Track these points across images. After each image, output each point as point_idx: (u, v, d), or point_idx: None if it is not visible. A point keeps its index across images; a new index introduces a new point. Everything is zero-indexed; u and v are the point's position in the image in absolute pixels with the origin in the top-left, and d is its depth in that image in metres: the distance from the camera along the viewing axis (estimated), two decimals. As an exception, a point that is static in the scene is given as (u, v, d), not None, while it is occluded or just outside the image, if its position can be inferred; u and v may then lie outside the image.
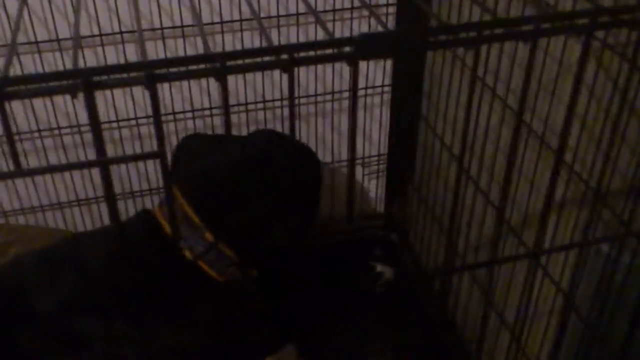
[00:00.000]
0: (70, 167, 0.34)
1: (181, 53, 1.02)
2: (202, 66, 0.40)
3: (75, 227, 1.15)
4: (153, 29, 1.00)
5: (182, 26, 1.01)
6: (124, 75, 0.38)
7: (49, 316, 0.72)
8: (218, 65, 0.39)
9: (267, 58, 0.42)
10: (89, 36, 0.98)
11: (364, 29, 1.10)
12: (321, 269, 1.10)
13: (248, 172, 0.81)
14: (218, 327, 0.76)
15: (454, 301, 1.03)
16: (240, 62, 0.42)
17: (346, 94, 1.16)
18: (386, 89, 1.16)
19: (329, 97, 1.15)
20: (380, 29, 1.09)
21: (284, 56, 0.42)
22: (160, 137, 0.38)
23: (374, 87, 1.15)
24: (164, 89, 1.04)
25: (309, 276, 1.07)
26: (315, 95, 1.13)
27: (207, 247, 0.75)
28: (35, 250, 0.82)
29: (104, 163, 0.36)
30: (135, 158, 0.36)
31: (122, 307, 0.73)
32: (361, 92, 1.15)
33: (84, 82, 0.37)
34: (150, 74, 0.38)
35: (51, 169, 0.33)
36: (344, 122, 1.18)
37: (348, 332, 1.00)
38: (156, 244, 0.77)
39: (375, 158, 1.22)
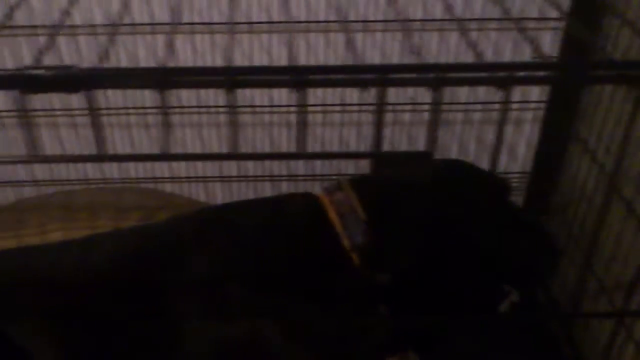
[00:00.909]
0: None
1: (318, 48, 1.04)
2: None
3: (214, 201, 1.21)
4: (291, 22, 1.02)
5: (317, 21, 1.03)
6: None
7: (202, 281, 0.75)
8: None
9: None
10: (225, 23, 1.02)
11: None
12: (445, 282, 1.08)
13: (428, 193, 0.81)
14: (352, 318, 0.78)
15: (589, 339, 0.97)
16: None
17: (496, 105, 1.12)
18: (541, 104, 1.11)
19: (478, 106, 1.12)
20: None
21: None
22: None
23: (527, 101, 1.11)
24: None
25: (432, 287, 1.06)
26: (464, 103, 1.11)
27: (366, 242, 0.77)
28: (192, 213, 0.86)
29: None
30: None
31: (270, 282, 0.75)
32: (513, 106, 1.11)
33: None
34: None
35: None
36: (490, 133, 1.15)
37: (469, 347, 0.98)
38: (315, 227, 0.79)
39: (517, 175, 1.18)
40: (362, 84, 0.39)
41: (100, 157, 0.41)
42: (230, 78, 0.38)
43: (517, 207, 0.84)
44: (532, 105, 1.11)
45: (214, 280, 0.75)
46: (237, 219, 0.82)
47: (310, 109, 1.05)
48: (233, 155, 0.37)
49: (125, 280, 0.78)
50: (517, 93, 1.10)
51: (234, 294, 0.74)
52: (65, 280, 0.79)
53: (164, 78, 0.37)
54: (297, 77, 0.38)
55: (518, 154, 1.16)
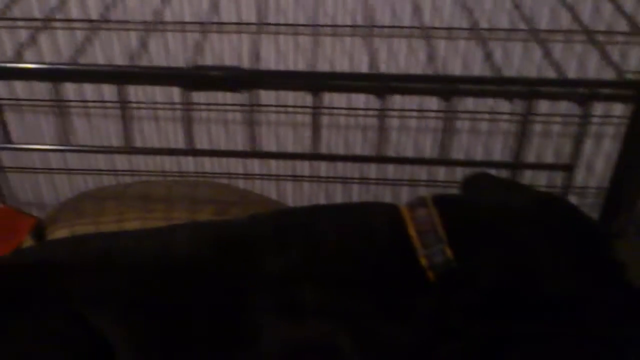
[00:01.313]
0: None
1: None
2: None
3: (285, 200, 1.22)
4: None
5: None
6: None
7: (277, 279, 0.76)
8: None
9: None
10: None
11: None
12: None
13: (514, 224, 0.79)
14: (423, 332, 0.77)
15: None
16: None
17: (576, 118, 1.11)
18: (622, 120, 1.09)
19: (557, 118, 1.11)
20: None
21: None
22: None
23: (608, 116, 1.09)
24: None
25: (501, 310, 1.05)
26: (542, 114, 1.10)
27: (444, 261, 0.77)
28: (273, 212, 0.87)
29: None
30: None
31: (343, 290, 0.75)
32: (594, 119, 1.10)
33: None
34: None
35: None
36: (567, 147, 1.14)
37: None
38: (393, 241, 0.79)
39: (593, 190, 1.16)
40: (510, 96, 0.39)
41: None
42: (383, 85, 0.39)
43: (616, 262, 0.80)
44: (615, 120, 1.09)
45: (287, 282, 0.76)
46: (317, 224, 0.83)
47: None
48: (376, 158, 0.37)
49: (203, 272, 0.79)
50: (598, 107, 1.08)
51: (307, 297, 0.75)
52: (145, 269, 0.80)
53: (321, 82, 0.38)
54: (447, 87, 0.38)
55: (596, 169, 1.15)
